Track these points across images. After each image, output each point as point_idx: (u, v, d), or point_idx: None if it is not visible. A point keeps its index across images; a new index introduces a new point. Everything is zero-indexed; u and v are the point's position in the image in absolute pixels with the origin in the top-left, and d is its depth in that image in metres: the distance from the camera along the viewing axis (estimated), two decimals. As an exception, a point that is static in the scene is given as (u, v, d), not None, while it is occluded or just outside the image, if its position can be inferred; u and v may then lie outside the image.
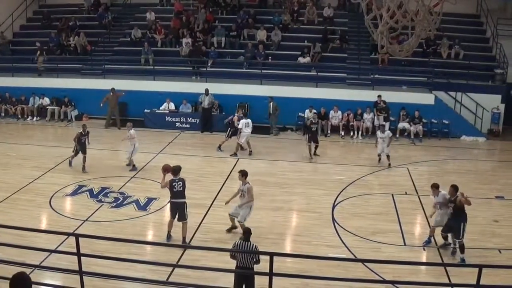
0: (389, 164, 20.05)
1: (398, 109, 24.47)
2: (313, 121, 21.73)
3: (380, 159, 20.27)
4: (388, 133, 20.21)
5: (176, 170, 13.72)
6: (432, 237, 13.87)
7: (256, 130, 22.43)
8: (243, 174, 13.99)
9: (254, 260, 10.14)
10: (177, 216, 13.60)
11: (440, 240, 13.73)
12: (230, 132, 21.93)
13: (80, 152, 19.02)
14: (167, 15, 30.50)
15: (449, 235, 13.43)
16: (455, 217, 13.00)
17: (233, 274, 10.54)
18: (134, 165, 19.31)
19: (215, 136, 23.95)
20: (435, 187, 13.57)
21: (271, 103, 24.09)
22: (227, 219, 14.31)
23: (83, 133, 19.05)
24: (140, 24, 29.86)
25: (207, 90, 24.67)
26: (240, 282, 10.33)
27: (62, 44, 29.12)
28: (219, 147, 22.00)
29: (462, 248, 12.92)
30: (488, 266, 10.85)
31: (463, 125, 24.68)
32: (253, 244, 10.43)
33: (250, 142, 21.68)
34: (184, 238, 13.60)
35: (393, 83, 25.77)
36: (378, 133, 20.40)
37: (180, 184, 13.53)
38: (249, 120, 21.41)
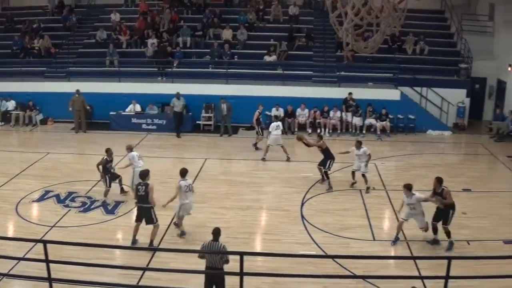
0: (367, 188, 17.33)
1: (364, 105, 24.61)
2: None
3: (354, 176, 17.81)
4: (364, 150, 17.36)
5: (142, 174, 13.61)
6: (398, 234, 13.91)
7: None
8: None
9: (223, 260, 10.12)
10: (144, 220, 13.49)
11: (415, 233, 13.90)
12: (259, 129, 21.93)
13: (112, 181, 16.71)
14: (132, 15, 30.21)
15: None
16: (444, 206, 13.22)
17: (203, 275, 10.50)
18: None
19: (183, 137, 23.87)
20: (407, 188, 13.45)
21: (224, 104, 23.92)
22: (195, 220, 14.52)
23: (109, 159, 16.47)
24: (105, 26, 29.51)
25: (178, 94, 24.30)
26: (210, 283, 10.30)
27: (26, 47, 28.60)
28: (256, 146, 22.06)
29: (448, 234, 13.24)
30: (457, 258, 11.06)
31: (429, 120, 24.99)
32: (221, 244, 10.44)
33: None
34: (151, 241, 13.45)
35: (359, 80, 25.91)
36: (353, 149, 17.56)
37: (143, 188, 13.30)
38: (279, 123, 21.16)
